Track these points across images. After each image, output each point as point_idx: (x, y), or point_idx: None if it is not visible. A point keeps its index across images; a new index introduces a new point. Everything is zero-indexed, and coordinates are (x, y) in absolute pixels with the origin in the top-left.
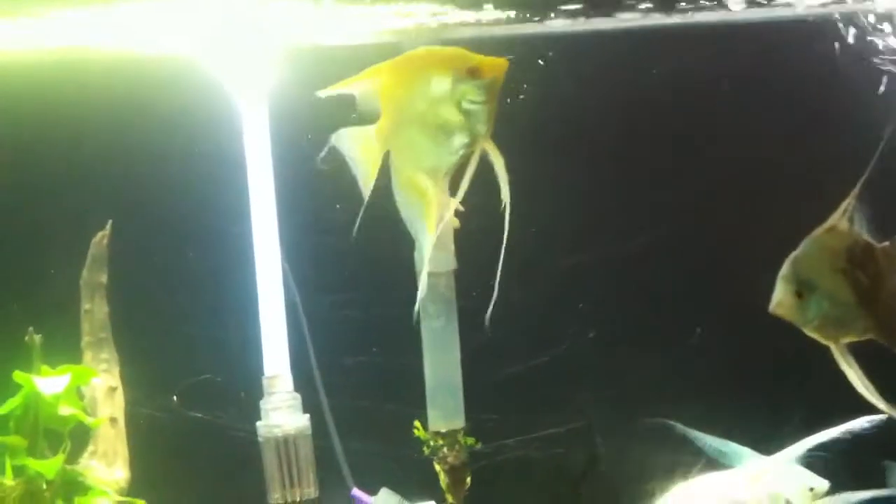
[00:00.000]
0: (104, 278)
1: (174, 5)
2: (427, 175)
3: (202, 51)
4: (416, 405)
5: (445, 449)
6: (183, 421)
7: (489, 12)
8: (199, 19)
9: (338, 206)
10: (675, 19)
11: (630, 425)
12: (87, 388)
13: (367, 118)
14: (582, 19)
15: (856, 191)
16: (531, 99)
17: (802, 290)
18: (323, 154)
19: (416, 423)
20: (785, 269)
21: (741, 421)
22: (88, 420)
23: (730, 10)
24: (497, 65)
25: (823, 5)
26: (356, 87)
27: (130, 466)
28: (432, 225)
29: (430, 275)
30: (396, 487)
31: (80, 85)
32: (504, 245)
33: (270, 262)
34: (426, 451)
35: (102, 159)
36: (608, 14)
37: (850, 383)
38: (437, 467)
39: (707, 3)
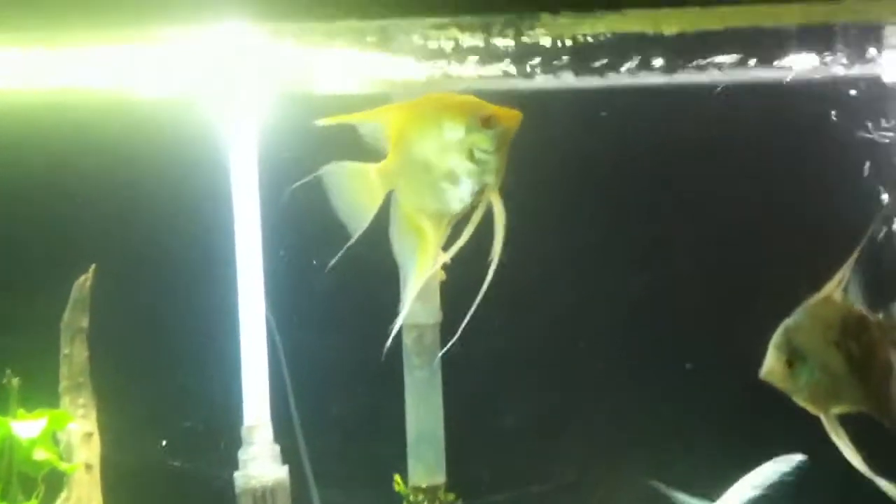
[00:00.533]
0: (85, 322)
1: (168, 48)
2: (430, 220)
3: (193, 94)
4: (399, 456)
5: None
6: (161, 469)
7: (477, 67)
8: (192, 62)
9: (323, 250)
10: (674, 79)
11: (617, 483)
12: (63, 434)
13: (368, 156)
14: (570, 75)
15: (851, 261)
16: (528, 144)
17: (794, 359)
18: (305, 181)
19: (397, 478)
20: (777, 336)
21: (727, 481)
22: (63, 466)
23: (729, 71)
24: (511, 116)
25: (822, 69)
26: (363, 122)
27: None
28: (424, 271)
29: (415, 327)
30: None
31: (68, 125)
32: (479, 298)
33: (254, 310)
34: None
35: (88, 200)
36: (602, 74)
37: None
38: None
39: (702, 63)
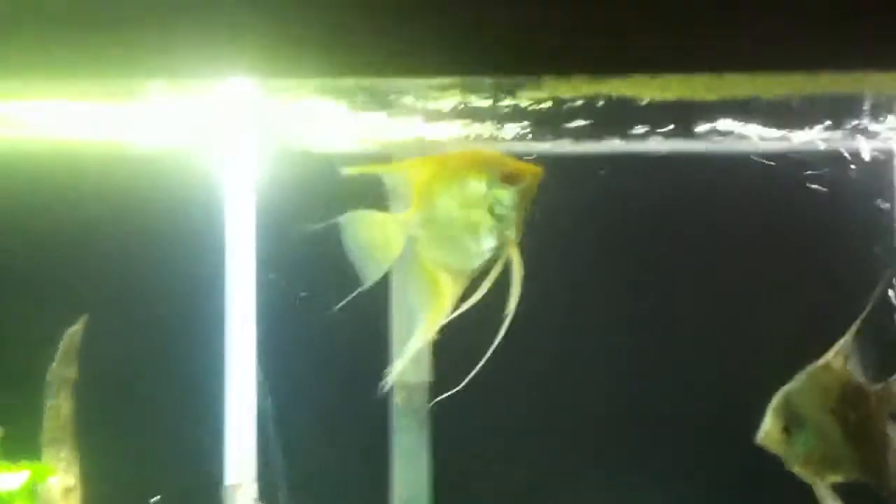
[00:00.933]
0: (73, 373)
1: (165, 102)
2: (449, 273)
3: (190, 148)
4: None
5: None
6: None
7: (477, 127)
8: (192, 116)
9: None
10: (675, 146)
11: None
12: (44, 487)
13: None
14: (567, 141)
15: (852, 329)
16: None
17: (791, 425)
18: (326, 224)
19: None
20: (775, 401)
21: None
22: None
23: (733, 139)
24: (532, 172)
25: (825, 140)
26: (389, 173)
27: None
28: (435, 324)
29: (404, 387)
30: None
31: (63, 175)
32: (488, 354)
33: (242, 368)
34: None
35: (82, 251)
36: (598, 139)
37: None
38: None
39: (702, 130)
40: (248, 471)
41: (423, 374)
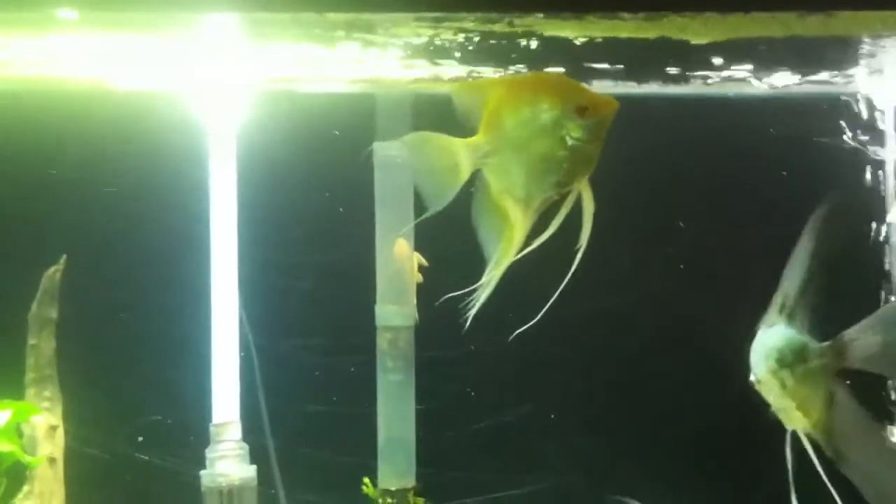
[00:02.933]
0: (54, 314)
1: (151, 40)
2: (517, 204)
3: (175, 87)
4: (369, 459)
5: None
6: (126, 465)
7: (459, 68)
8: (175, 56)
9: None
10: (651, 89)
11: (589, 494)
12: (27, 426)
13: (456, 128)
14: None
15: (790, 286)
16: None
17: (755, 378)
18: (385, 145)
19: (365, 480)
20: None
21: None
22: (26, 459)
23: (707, 83)
24: (608, 105)
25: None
26: (459, 93)
27: None
28: (509, 256)
29: (389, 329)
30: None
31: (43, 114)
32: (559, 290)
33: (227, 307)
34: None
35: (62, 191)
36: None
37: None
38: None
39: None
40: (233, 410)
41: (409, 317)
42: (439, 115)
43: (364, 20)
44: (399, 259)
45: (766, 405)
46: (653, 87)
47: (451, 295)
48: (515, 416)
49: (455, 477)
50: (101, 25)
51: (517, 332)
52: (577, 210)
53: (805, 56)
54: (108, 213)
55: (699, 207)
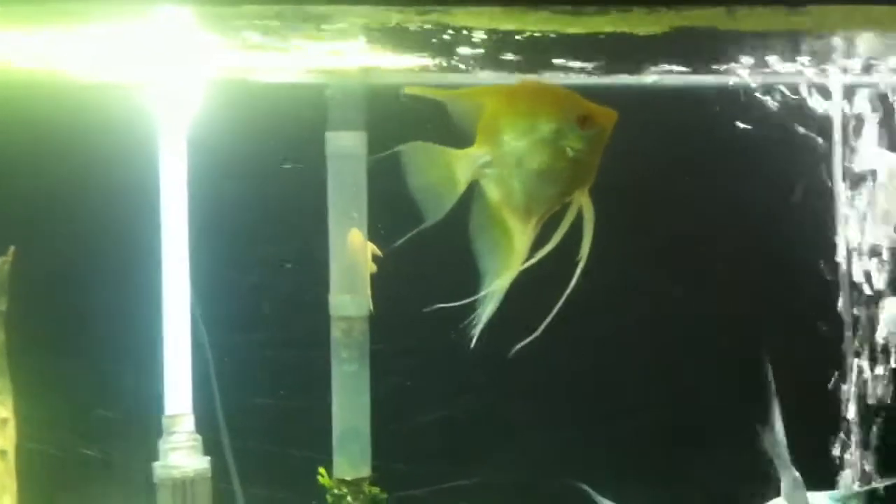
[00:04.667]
0: (3, 305)
1: (105, 31)
2: (517, 218)
3: (126, 78)
4: (323, 451)
5: (349, 498)
6: (78, 458)
7: (418, 58)
8: (127, 46)
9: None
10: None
11: (540, 485)
12: None
13: (449, 136)
14: (505, 73)
15: None
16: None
17: None
18: (382, 156)
19: (321, 471)
20: None
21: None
22: None
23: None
24: (607, 116)
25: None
26: (454, 100)
27: (19, 503)
28: (510, 274)
29: (343, 319)
30: None
31: None
32: (561, 301)
33: (179, 299)
34: (330, 499)
35: (11, 181)
36: (540, 71)
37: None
38: None
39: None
40: (186, 402)
41: (363, 307)
42: (393, 105)
43: (314, 11)
44: (353, 249)
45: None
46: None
47: (441, 306)
48: (469, 406)
49: (409, 467)
50: (52, 17)
51: (519, 345)
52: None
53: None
54: (57, 206)
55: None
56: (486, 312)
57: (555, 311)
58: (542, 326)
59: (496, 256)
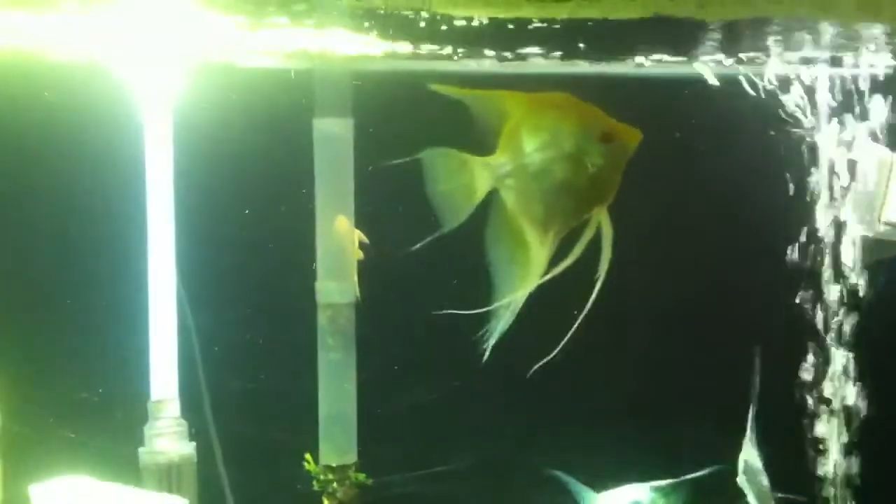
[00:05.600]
0: None
1: (91, 11)
2: (535, 230)
3: (113, 59)
4: (308, 436)
5: (335, 484)
6: (61, 442)
7: (406, 45)
8: (114, 28)
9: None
10: (578, 68)
11: (517, 468)
12: None
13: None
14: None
15: None
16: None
17: None
18: (402, 161)
19: (307, 457)
20: None
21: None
22: None
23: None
24: (631, 134)
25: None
26: (478, 102)
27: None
28: (526, 288)
29: (329, 307)
30: None
31: None
32: (582, 315)
33: (164, 283)
34: (316, 485)
35: None
36: (524, 58)
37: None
38: (326, 502)
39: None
40: (172, 387)
41: (349, 294)
42: (382, 90)
43: None
44: (339, 236)
45: None
46: None
47: (451, 312)
48: (453, 392)
49: (395, 452)
50: None
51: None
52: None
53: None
54: (40, 188)
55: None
56: (500, 325)
57: (572, 330)
58: (559, 347)
59: (512, 268)
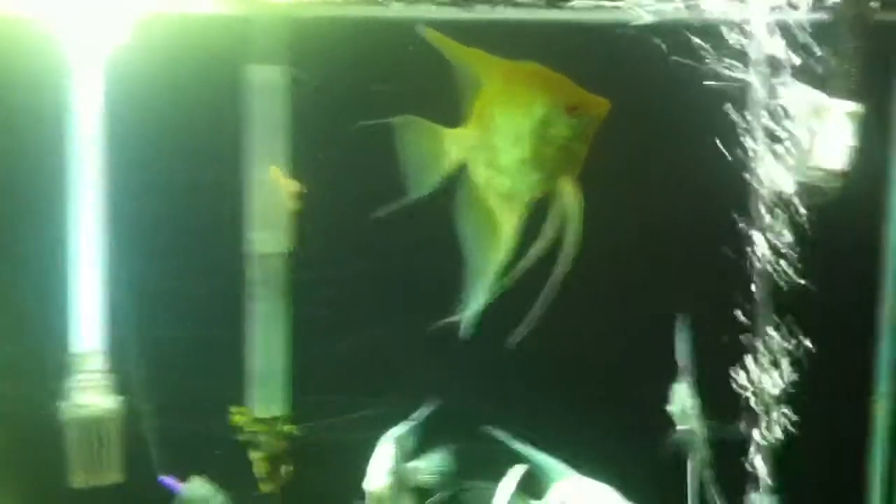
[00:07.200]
0: None
1: None
2: (503, 202)
3: (42, 11)
4: (238, 387)
5: (263, 437)
6: None
7: None
8: None
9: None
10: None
11: (457, 422)
12: None
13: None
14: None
15: None
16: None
17: None
18: (375, 123)
19: (240, 409)
20: None
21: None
22: None
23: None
24: (598, 105)
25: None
26: (460, 62)
27: None
28: (496, 262)
29: (261, 256)
30: (212, 473)
31: None
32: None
33: (88, 233)
34: (243, 437)
35: None
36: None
37: None
38: (254, 454)
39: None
40: (95, 339)
41: (281, 244)
42: (318, 38)
43: None
44: (273, 186)
45: None
46: None
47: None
48: (383, 339)
49: (324, 399)
50: None
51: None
52: None
53: None
54: None
55: None
56: (475, 298)
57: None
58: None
59: (481, 240)
